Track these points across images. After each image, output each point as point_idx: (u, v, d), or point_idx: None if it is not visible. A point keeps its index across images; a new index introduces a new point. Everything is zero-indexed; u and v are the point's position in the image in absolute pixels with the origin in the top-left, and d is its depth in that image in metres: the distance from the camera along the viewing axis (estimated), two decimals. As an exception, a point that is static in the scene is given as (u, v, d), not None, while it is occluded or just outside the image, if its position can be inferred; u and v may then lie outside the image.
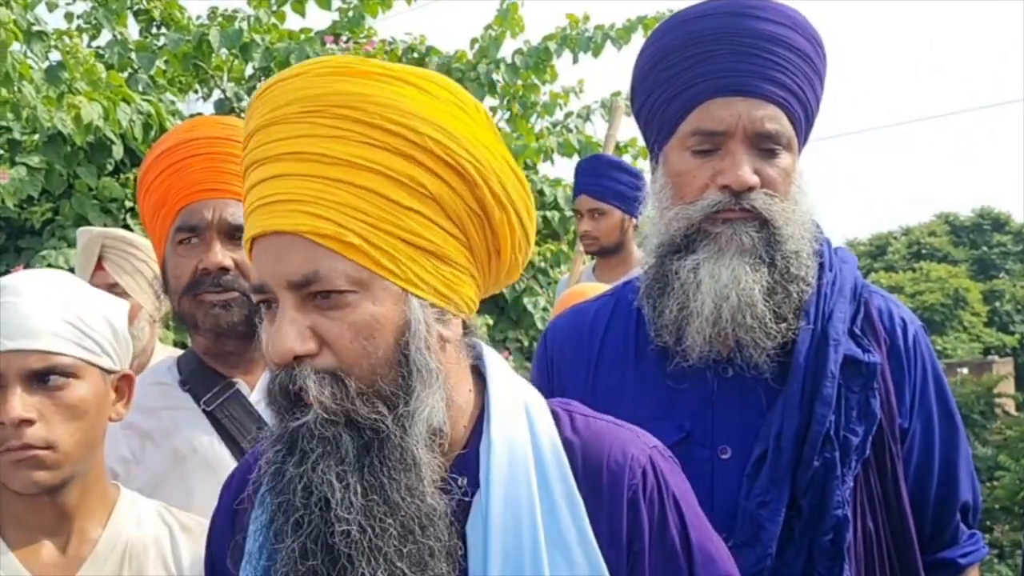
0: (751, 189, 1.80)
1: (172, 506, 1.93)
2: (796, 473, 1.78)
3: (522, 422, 1.38)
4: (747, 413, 1.85)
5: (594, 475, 1.38)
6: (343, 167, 1.27)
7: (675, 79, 1.86)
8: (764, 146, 1.82)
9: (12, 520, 1.76)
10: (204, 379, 2.21)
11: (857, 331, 1.86)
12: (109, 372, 1.81)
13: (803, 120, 1.88)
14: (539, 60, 6.89)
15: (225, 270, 2.12)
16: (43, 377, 1.70)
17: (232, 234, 2.15)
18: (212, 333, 2.15)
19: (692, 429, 1.86)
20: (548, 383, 2.03)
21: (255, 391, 2.21)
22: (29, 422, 1.66)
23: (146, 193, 2.24)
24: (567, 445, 1.39)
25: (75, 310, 1.75)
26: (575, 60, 6.98)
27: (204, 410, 2.17)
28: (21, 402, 1.66)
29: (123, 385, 1.86)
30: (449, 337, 1.35)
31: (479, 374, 1.45)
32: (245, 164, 1.38)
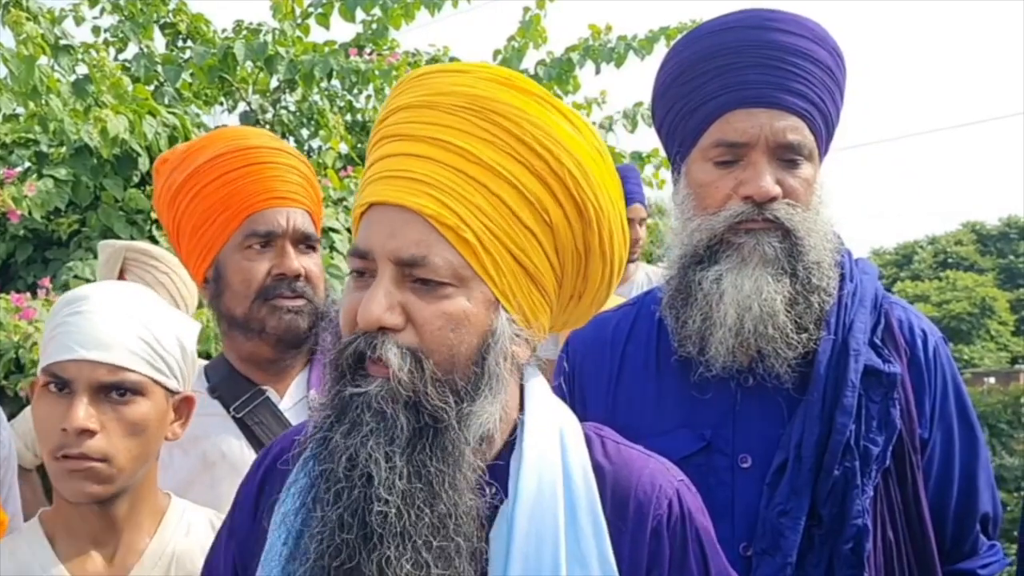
0: (773, 199, 1.81)
1: (200, 511, 1.95)
2: (816, 482, 1.78)
3: (555, 441, 1.39)
4: (768, 423, 1.85)
5: (621, 501, 1.38)
6: (482, 168, 1.31)
7: (697, 91, 1.87)
8: (786, 157, 1.83)
9: (64, 529, 1.79)
10: (234, 386, 2.23)
11: (878, 341, 1.86)
12: (173, 392, 1.83)
13: (824, 131, 1.88)
14: (562, 71, 6.88)
15: (299, 276, 2.16)
16: (110, 390, 1.72)
17: (301, 242, 2.20)
18: (275, 338, 2.18)
19: (713, 438, 1.86)
20: (569, 393, 2.03)
21: (285, 398, 2.23)
22: (91, 432, 1.69)
23: (193, 197, 2.22)
24: (597, 469, 1.40)
25: (151, 328, 1.77)
26: (597, 71, 6.97)
27: (234, 416, 2.19)
28: (86, 412, 1.68)
29: (183, 406, 1.87)
30: (519, 358, 1.37)
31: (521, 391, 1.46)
32: (380, 136, 1.40)
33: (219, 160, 2.20)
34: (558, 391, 2.03)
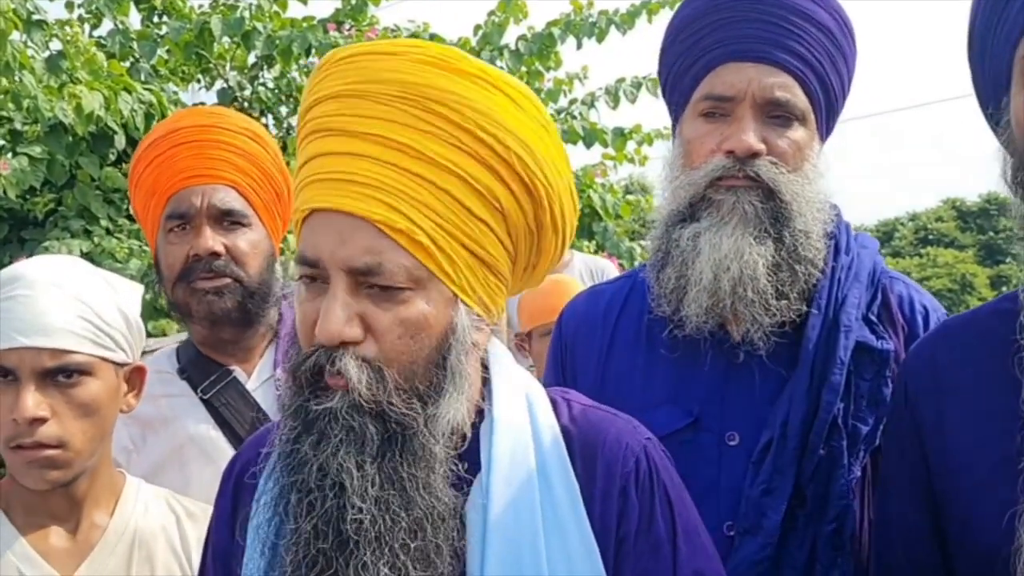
0: (755, 155, 1.76)
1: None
2: (801, 461, 1.75)
3: (522, 409, 1.38)
4: (757, 399, 1.81)
5: (590, 462, 1.37)
6: (427, 164, 1.26)
7: (693, 48, 1.84)
8: (774, 114, 1.79)
9: (22, 507, 1.76)
10: (202, 367, 2.22)
11: (873, 318, 1.82)
12: (122, 365, 1.80)
13: (821, 96, 1.82)
14: (543, 46, 6.83)
15: (216, 255, 2.12)
16: (56, 374, 1.68)
17: (221, 219, 2.15)
18: (207, 321, 2.16)
19: (701, 414, 1.83)
20: (562, 367, 2.01)
21: (252, 378, 2.22)
22: (42, 420, 1.65)
23: (136, 185, 2.24)
24: (564, 433, 1.39)
25: (92, 305, 1.73)
26: (579, 46, 6.91)
27: (201, 398, 2.18)
28: (34, 399, 1.65)
29: (135, 377, 1.85)
30: (479, 343, 1.35)
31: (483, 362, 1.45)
32: (308, 130, 1.34)
33: (153, 146, 2.20)
34: (552, 365, 2.01)
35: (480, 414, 1.38)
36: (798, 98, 1.79)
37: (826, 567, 1.73)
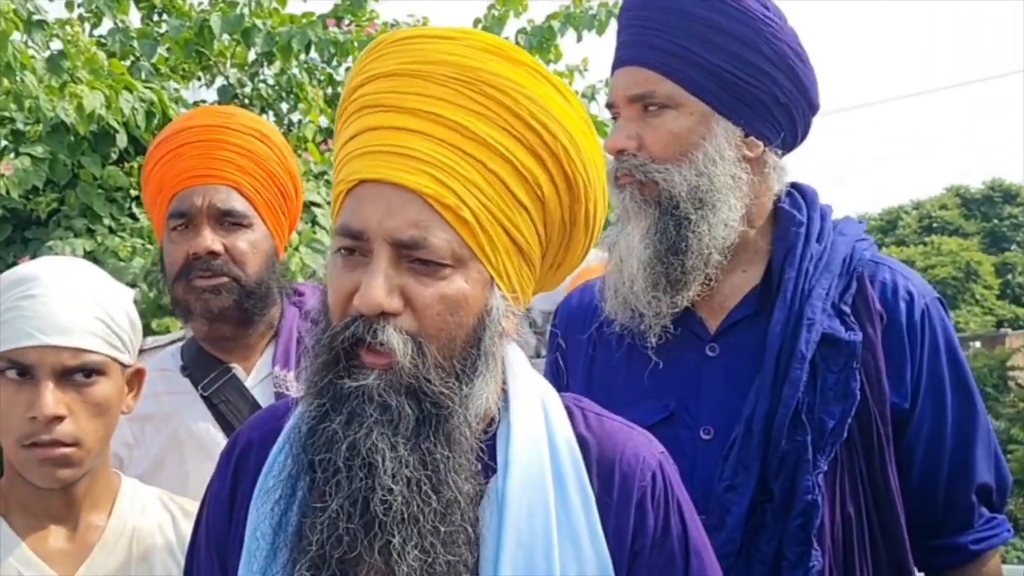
0: (622, 152, 1.81)
1: (168, 489, 1.96)
2: (766, 456, 1.74)
3: (539, 415, 1.39)
4: (732, 394, 1.82)
5: (606, 473, 1.38)
6: (478, 145, 1.28)
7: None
8: (645, 107, 1.82)
9: (20, 507, 1.78)
10: (203, 364, 2.25)
11: (845, 307, 1.80)
12: (126, 366, 1.82)
13: (704, 78, 1.79)
14: (543, 39, 6.82)
15: (214, 255, 2.15)
16: (75, 373, 1.70)
17: (222, 219, 2.18)
18: (205, 319, 2.18)
19: (676, 409, 1.85)
20: (555, 362, 2.03)
21: (251, 376, 2.25)
22: (60, 418, 1.67)
23: (146, 182, 2.29)
24: (581, 441, 1.40)
25: (104, 306, 1.76)
26: (579, 39, 6.90)
27: (202, 395, 2.21)
28: (54, 398, 1.67)
29: (135, 378, 1.87)
30: (508, 332, 1.36)
31: None
32: (359, 105, 1.35)
33: (162, 144, 2.24)
34: (549, 360, 2.03)
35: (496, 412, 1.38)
36: (659, 87, 1.80)
37: (792, 563, 1.72)
